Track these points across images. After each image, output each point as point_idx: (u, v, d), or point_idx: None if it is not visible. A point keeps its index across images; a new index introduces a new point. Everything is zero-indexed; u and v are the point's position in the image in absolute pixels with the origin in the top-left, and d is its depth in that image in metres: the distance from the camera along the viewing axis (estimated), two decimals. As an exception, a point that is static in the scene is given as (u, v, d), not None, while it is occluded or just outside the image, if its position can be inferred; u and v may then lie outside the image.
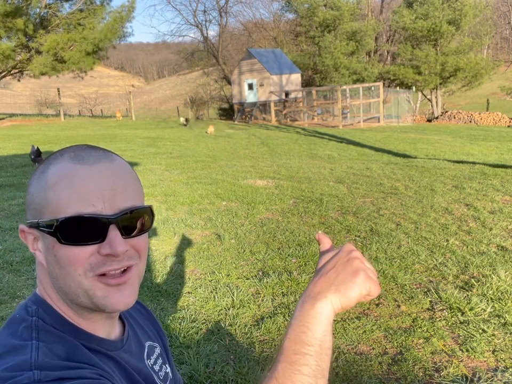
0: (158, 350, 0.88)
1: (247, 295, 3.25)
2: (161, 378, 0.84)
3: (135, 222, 0.69)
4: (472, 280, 3.33)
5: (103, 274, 0.66)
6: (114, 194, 0.67)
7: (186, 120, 21.96)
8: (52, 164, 0.69)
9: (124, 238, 0.67)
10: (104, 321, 0.74)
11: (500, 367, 2.33)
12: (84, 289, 0.66)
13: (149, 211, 0.72)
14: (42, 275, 0.71)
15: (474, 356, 2.44)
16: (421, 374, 2.33)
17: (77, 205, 0.64)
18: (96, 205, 0.65)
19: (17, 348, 0.62)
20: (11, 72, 21.43)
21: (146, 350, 0.84)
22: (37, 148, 8.42)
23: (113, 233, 0.65)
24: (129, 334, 0.81)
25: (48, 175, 0.67)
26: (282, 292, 3.30)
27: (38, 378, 0.57)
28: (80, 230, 0.64)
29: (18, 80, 23.66)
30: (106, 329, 0.75)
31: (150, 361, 0.84)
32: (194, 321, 2.89)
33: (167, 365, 0.88)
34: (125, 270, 0.68)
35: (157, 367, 0.84)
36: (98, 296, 0.67)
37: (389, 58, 38.15)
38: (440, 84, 28.42)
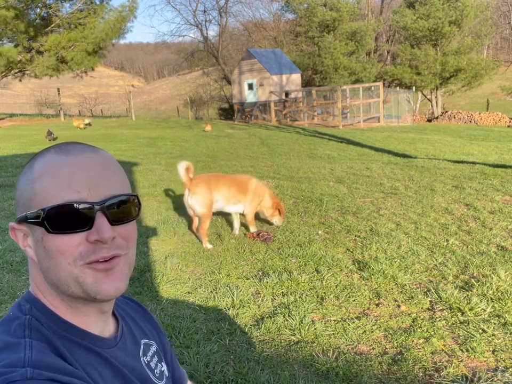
0: (154, 348, 0.88)
1: (247, 295, 3.25)
2: (157, 376, 0.84)
3: (121, 209, 0.70)
4: (472, 280, 3.33)
5: (93, 262, 0.67)
6: (99, 182, 0.68)
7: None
8: (37, 158, 0.70)
9: (111, 225, 0.67)
10: (98, 316, 0.74)
11: (500, 367, 2.33)
12: (74, 277, 0.67)
13: (136, 199, 0.73)
14: (34, 272, 0.72)
15: (474, 355, 2.44)
16: (421, 374, 2.33)
17: (62, 193, 0.65)
18: (81, 192, 0.66)
19: (11, 345, 0.63)
20: (11, 72, 21.42)
21: (142, 348, 0.85)
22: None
23: (100, 219, 0.66)
24: (124, 331, 0.82)
25: (34, 168, 0.69)
26: (282, 292, 3.30)
27: (31, 375, 0.58)
28: (67, 218, 0.65)
29: (20, 80, 23.65)
30: (100, 324, 0.75)
31: (146, 358, 0.84)
32: (194, 321, 2.89)
33: (163, 363, 0.89)
34: (113, 258, 0.68)
35: (153, 365, 0.85)
36: (88, 283, 0.67)
37: (388, 58, 38.14)
38: (440, 84, 28.41)
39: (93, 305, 0.72)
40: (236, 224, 4.70)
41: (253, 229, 4.62)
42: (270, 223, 4.87)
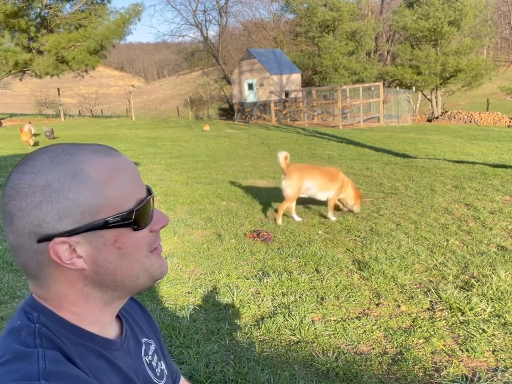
0: (153, 347, 0.88)
1: (247, 295, 3.25)
2: (158, 375, 0.84)
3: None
4: (472, 280, 3.33)
5: (155, 249, 0.74)
6: (140, 178, 0.75)
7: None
8: (79, 163, 0.66)
9: None
10: (116, 310, 0.77)
11: (500, 367, 2.33)
12: (145, 267, 0.72)
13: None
14: (65, 283, 0.68)
15: (474, 355, 2.44)
16: (421, 374, 2.33)
17: (135, 192, 0.71)
18: (143, 189, 0.73)
19: (24, 355, 0.62)
20: (12, 72, 21.42)
21: (143, 347, 0.85)
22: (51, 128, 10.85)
23: (156, 210, 0.75)
24: (127, 331, 0.82)
25: (92, 173, 0.66)
26: (282, 292, 3.30)
27: None
28: (147, 213, 0.72)
29: (20, 80, 23.66)
30: (112, 322, 0.77)
31: (147, 358, 0.84)
32: (195, 321, 2.89)
33: (162, 362, 0.89)
34: None
35: (154, 364, 0.85)
36: (156, 269, 0.74)
37: (388, 58, 38.14)
38: (441, 84, 28.40)
39: (126, 298, 0.77)
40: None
41: (332, 215, 5.18)
42: (350, 210, 5.40)
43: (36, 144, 12.14)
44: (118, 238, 0.68)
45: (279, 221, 4.97)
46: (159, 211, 0.75)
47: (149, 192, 0.75)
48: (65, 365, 0.62)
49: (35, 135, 14.02)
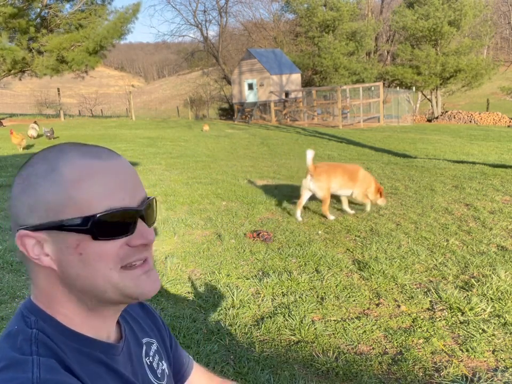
0: (155, 347, 0.87)
1: (247, 295, 3.24)
2: (159, 376, 0.83)
3: (151, 212, 0.72)
4: (472, 280, 3.33)
5: (130, 265, 0.68)
6: (133, 187, 0.69)
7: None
8: (60, 161, 0.66)
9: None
10: (112, 318, 0.74)
11: (500, 367, 2.33)
12: (113, 283, 0.66)
13: (155, 201, 0.76)
14: (45, 281, 0.68)
15: (474, 355, 2.44)
16: (421, 374, 2.33)
17: (107, 199, 0.65)
18: (124, 199, 0.67)
19: (19, 362, 0.61)
20: (12, 72, 21.42)
21: (144, 348, 0.84)
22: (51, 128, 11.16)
23: (141, 223, 0.68)
24: (127, 333, 0.81)
25: (65, 172, 0.65)
26: (282, 292, 3.29)
27: None
28: (115, 224, 0.65)
29: (20, 79, 23.66)
30: (109, 328, 0.75)
31: (148, 359, 0.83)
32: (194, 321, 2.89)
33: (163, 362, 0.88)
34: (146, 258, 0.70)
35: (155, 365, 0.84)
36: (131, 287, 0.68)
37: (388, 58, 38.14)
38: (440, 84, 28.40)
39: (114, 308, 0.72)
40: (345, 206, 5.47)
41: (368, 207, 5.41)
42: (376, 205, 5.55)
43: (27, 147, 11.60)
44: (80, 243, 0.65)
45: (331, 217, 5.19)
46: (145, 227, 0.68)
47: (142, 204, 0.69)
48: (60, 374, 0.62)
49: (38, 135, 13.92)
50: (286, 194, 6.30)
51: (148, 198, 0.71)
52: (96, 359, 0.69)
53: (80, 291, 0.68)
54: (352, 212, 5.41)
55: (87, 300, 0.69)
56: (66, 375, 0.62)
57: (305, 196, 5.29)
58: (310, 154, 5.08)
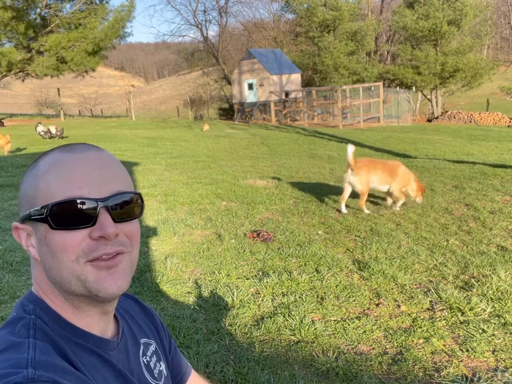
0: (153, 347, 0.87)
1: (247, 295, 3.24)
2: (156, 376, 0.83)
3: (125, 207, 0.70)
4: (472, 280, 3.33)
5: (95, 259, 0.67)
6: (102, 180, 0.68)
7: None
8: (42, 157, 0.72)
9: (115, 222, 0.68)
10: (100, 316, 0.74)
11: (500, 367, 2.33)
12: (76, 275, 0.67)
13: (138, 197, 0.74)
14: (37, 272, 0.72)
15: (474, 355, 2.44)
16: (421, 374, 2.33)
17: (65, 189, 0.66)
18: (83, 189, 0.66)
19: (15, 344, 0.63)
20: (12, 73, 21.42)
21: (141, 348, 0.84)
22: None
23: (104, 216, 0.67)
24: (124, 331, 0.81)
25: (39, 166, 0.70)
26: (282, 292, 3.29)
27: (32, 377, 0.57)
28: (71, 214, 0.65)
29: (23, 81, 23.66)
30: (102, 325, 0.75)
31: (145, 359, 0.83)
32: (194, 321, 2.89)
33: (161, 362, 0.88)
34: (116, 255, 0.68)
35: (152, 365, 0.84)
36: (90, 281, 0.67)
37: (389, 58, 38.13)
38: (440, 84, 28.40)
39: (97, 305, 0.72)
40: (390, 201, 5.62)
41: (400, 203, 5.50)
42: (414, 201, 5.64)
43: (12, 152, 10.81)
44: (46, 234, 0.67)
45: (367, 211, 5.36)
46: (107, 220, 0.67)
47: (110, 197, 0.68)
48: (54, 357, 0.63)
49: (51, 136, 13.84)
50: (286, 194, 6.29)
51: (122, 192, 0.70)
52: (88, 350, 0.70)
53: (54, 283, 0.69)
54: (398, 208, 5.48)
55: (62, 293, 0.70)
56: (60, 360, 0.63)
57: (347, 190, 5.45)
58: (350, 148, 5.25)
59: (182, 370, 1.00)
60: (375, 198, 6.05)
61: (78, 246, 0.66)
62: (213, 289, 3.36)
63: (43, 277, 0.71)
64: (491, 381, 2.23)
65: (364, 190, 5.34)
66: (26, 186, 0.70)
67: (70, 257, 0.66)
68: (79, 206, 0.65)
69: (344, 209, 5.39)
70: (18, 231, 0.71)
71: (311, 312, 2.98)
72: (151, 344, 0.88)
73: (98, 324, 0.74)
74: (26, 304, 0.71)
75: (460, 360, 2.42)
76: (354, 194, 5.65)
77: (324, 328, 2.77)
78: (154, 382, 0.82)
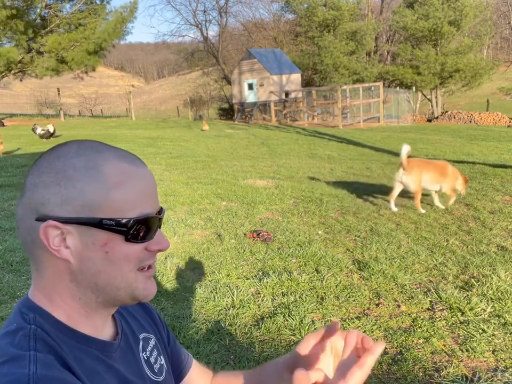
0: (153, 342, 0.88)
1: (247, 295, 3.24)
2: (156, 371, 0.83)
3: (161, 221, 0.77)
4: (472, 280, 3.33)
5: (143, 268, 0.72)
6: (156, 196, 0.75)
7: None
8: (99, 160, 0.69)
9: None
10: (108, 315, 0.76)
11: (500, 367, 2.33)
12: (128, 282, 0.70)
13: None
14: (54, 274, 0.69)
15: (474, 355, 2.44)
16: (421, 374, 2.33)
17: (141, 205, 0.70)
18: (152, 206, 0.72)
19: (16, 358, 0.62)
20: (11, 72, 21.41)
21: (141, 343, 0.84)
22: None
23: (159, 231, 0.74)
24: (123, 328, 0.81)
25: (107, 173, 0.68)
26: (282, 292, 3.29)
27: None
28: (145, 229, 0.70)
29: (21, 80, 23.65)
30: (106, 326, 0.76)
31: (145, 354, 0.83)
32: (194, 321, 2.89)
33: (162, 357, 0.88)
34: (152, 264, 0.75)
35: (152, 360, 0.84)
36: (140, 288, 0.72)
37: (388, 58, 38.14)
38: (440, 84, 28.41)
39: (112, 308, 0.75)
40: (436, 200, 5.67)
41: (453, 200, 5.56)
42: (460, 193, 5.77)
43: (6, 153, 10.50)
44: (108, 242, 0.67)
45: (422, 210, 5.35)
46: (163, 235, 0.74)
47: (160, 213, 0.74)
48: (56, 370, 0.62)
49: (51, 135, 13.88)
50: (286, 194, 6.29)
51: (162, 207, 0.76)
52: (93, 356, 0.70)
53: (91, 288, 0.69)
54: (443, 206, 5.54)
55: (95, 298, 0.70)
56: (63, 371, 0.62)
57: (397, 188, 5.52)
58: (405, 148, 5.39)
59: (183, 362, 1.01)
60: (375, 198, 6.05)
61: (138, 256, 0.70)
62: (213, 289, 3.36)
63: (61, 280, 0.69)
64: (491, 381, 2.23)
65: (417, 189, 5.40)
66: (85, 189, 0.66)
67: (130, 266, 0.70)
68: (152, 222, 0.71)
69: (394, 207, 5.46)
70: (48, 228, 0.66)
71: (311, 312, 2.98)
72: (151, 339, 0.88)
73: (104, 324, 0.75)
74: (26, 313, 0.69)
75: (459, 360, 2.42)
76: (355, 195, 5.65)
77: (324, 328, 2.77)
78: (155, 378, 0.82)
